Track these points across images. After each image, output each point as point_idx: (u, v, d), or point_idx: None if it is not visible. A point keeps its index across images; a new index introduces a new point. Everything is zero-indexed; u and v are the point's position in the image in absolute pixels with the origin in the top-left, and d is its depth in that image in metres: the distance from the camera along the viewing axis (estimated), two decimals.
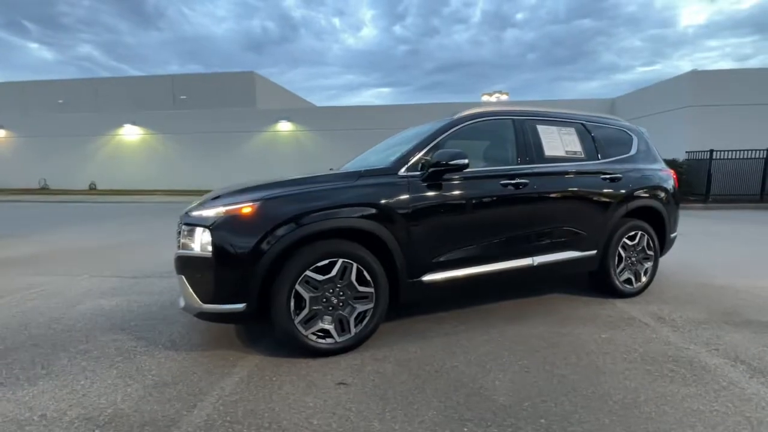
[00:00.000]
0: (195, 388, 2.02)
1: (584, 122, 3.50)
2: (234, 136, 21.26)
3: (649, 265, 3.55)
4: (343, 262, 2.33)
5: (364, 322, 2.43)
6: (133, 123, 22.13)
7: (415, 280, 2.58)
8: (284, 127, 21.17)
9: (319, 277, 2.29)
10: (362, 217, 2.40)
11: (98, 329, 2.81)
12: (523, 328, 2.80)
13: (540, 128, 3.21)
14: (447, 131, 2.84)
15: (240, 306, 2.22)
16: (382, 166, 2.67)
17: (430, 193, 2.61)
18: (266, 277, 2.21)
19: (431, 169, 2.60)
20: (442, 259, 2.66)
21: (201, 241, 2.24)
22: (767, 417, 1.75)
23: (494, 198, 2.84)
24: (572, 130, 3.39)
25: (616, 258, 3.36)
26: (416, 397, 1.95)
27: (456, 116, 2.98)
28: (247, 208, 2.23)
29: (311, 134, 21.06)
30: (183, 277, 2.34)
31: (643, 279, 3.53)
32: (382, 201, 2.47)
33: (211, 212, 2.28)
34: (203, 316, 2.33)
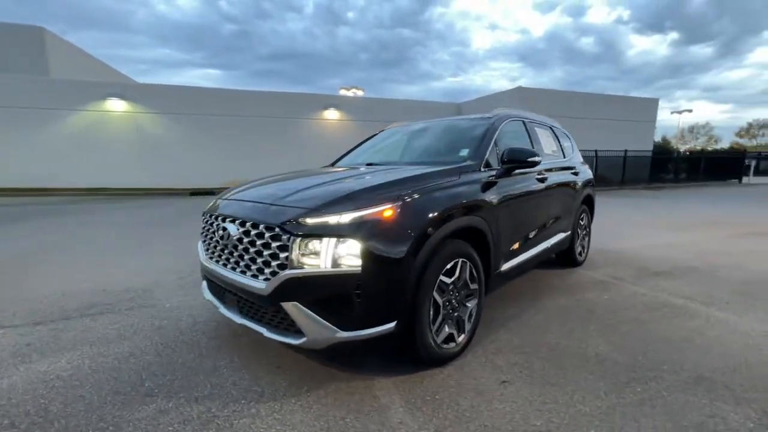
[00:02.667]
0: (378, 426, 1.67)
1: (551, 126, 4.25)
2: (27, 114, 15.55)
3: (587, 238, 4.64)
4: (462, 261, 2.27)
5: (472, 320, 2.43)
6: None
7: (498, 271, 2.71)
8: (116, 106, 16.73)
9: (447, 280, 2.18)
10: (474, 214, 2.38)
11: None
12: (550, 301, 3.30)
13: (537, 130, 3.75)
14: (497, 130, 3.02)
15: (391, 325, 1.90)
16: (467, 163, 2.65)
17: (506, 187, 2.76)
18: (417, 287, 1.97)
19: (506, 166, 2.75)
20: (510, 248, 2.87)
21: (337, 254, 1.80)
22: (734, 328, 2.69)
23: (534, 190, 3.21)
24: (549, 132, 4.08)
25: (577, 235, 4.27)
26: (568, 376, 2.13)
27: (495, 117, 3.20)
28: (388, 211, 1.91)
29: (155, 118, 17.34)
30: (297, 304, 1.83)
31: (586, 249, 4.60)
32: (482, 198, 2.49)
33: (346, 218, 1.85)
34: (341, 346, 1.88)
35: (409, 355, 2.13)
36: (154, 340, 2.61)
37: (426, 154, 3.11)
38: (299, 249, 1.84)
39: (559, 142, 4.24)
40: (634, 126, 20.72)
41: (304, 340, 1.85)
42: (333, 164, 3.75)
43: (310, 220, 1.86)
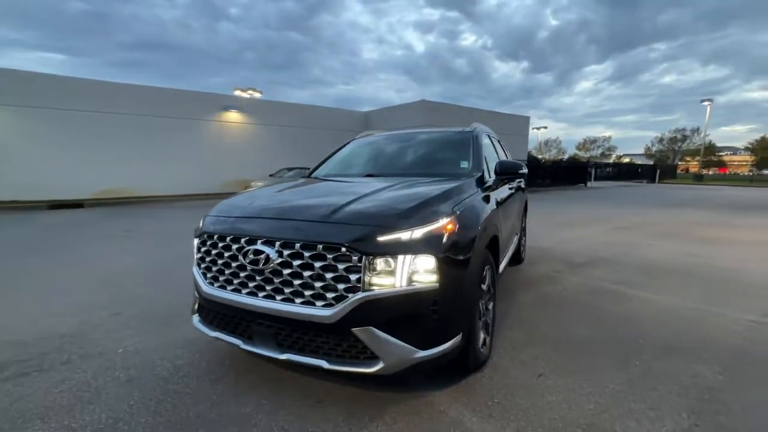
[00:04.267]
0: None
1: (498, 139, 4.75)
2: None
3: (524, 237, 5.32)
4: (488, 267, 2.40)
5: (494, 323, 2.59)
6: None
7: (498, 273, 2.93)
8: None
9: (483, 287, 2.29)
10: (494, 222, 2.54)
11: None
12: (522, 297, 3.71)
13: (497, 143, 4.17)
14: (481, 144, 3.26)
15: (458, 338, 1.91)
16: (476, 175, 2.78)
17: (498, 196, 2.99)
18: (474, 297, 2.01)
19: (499, 177, 2.99)
20: (504, 251, 3.13)
21: (412, 271, 1.73)
22: (662, 305, 3.45)
23: (508, 197, 3.52)
24: (499, 145, 4.56)
25: (522, 235, 4.86)
26: (582, 362, 2.44)
27: (475, 131, 3.42)
28: (450, 224, 1.91)
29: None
30: (371, 328, 1.70)
31: (524, 248, 5.27)
32: (494, 207, 2.67)
33: (418, 233, 1.78)
34: (417, 367, 1.79)
35: (461, 364, 2.16)
36: (136, 397, 2.08)
37: (425, 165, 3.15)
38: (372, 269, 1.71)
39: (505, 152, 4.76)
40: (514, 139, 24.25)
41: (380, 366, 1.73)
42: (310, 175, 3.52)
43: (381, 238, 1.75)
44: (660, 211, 11.64)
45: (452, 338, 1.87)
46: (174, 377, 2.28)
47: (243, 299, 1.93)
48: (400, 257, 1.72)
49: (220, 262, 2.04)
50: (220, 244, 2.04)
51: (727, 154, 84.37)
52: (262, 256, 1.85)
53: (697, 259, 5.23)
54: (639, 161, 56.94)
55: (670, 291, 3.87)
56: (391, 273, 1.72)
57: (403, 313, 1.74)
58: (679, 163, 57.32)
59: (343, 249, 1.73)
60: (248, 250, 1.89)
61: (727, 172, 74.30)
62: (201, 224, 2.29)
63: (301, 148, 19.92)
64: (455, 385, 2.16)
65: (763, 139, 58.27)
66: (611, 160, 57.50)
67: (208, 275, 2.11)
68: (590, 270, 4.69)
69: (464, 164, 2.99)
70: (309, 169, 14.46)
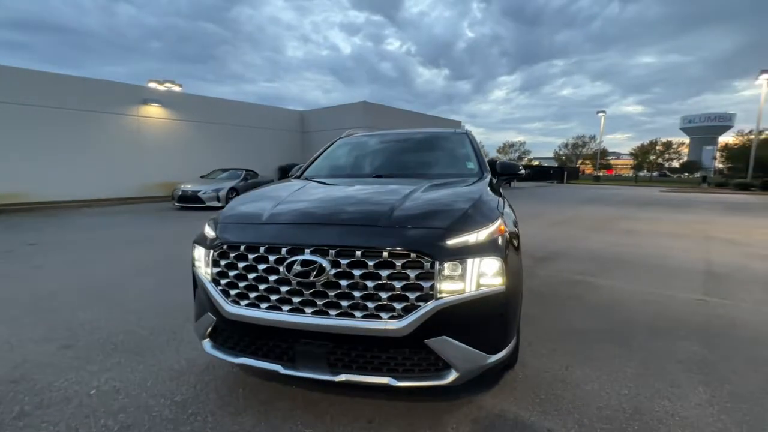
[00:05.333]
0: None
1: None
2: None
3: None
4: None
5: None
6: None
7: None
8: None
9: None
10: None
11: None
12: None
13: None
14: (478, 143, 3.33)
15: (515, 339, 1.89)
16: (489, 175, 2.80)
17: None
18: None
19: (501, 177, 3.08)
20: None
21: (480, 274, 1.66)
22: (625, 291, 3.89)
23: None
24: None
25: None
26: (597, 351, 2.62)
27: (467, 132, 3.49)
28: (501, 225, 1.88)
29: None
30: (445, 338, 1.61)
31: None
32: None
33: (482, 235, 1.72)
34: (489, 371, 1.73)
35: (508, 365, 2.15)
36: None
37: (432, 165, 3.10)
38: (442, 275, 1.61)
39: None
40: None
41: (454, 376, 1.63)
42: (301, 176, 3.24)
43: (451, 241, 1.65)
44: (579, 207, 13.18)
45: (513, 339, 1.85)
46: (182, 417, 1.91)
47: (284, 317, 1.69)
48: (469, 261, 1.65)
49: (251, 276, 1.75)
50: (251, 256, 1.75)
51: (613, 158, 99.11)
52: (313, 267, 1.63)
53: (630, 249, 6.00)
54: (545, 164, 64.02)
55: (624, 278, 4.37)
56: (461, 277, 1.64)
57: (474, 319, 1.67)
58: (579, 165, 65.66)
59: (413, 255, 1.60)
60: (293, 261, 1.66)
61: (613, 173, 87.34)
62: (212, 233, 1.96)
63: (235, 148, 18.59)
64: (496, 387, 2.14)
65: (642, 146, 69.81)
66: (524, 163, 63.73)
67: (232, 293, 1.80)
68: (552, 263, 5.09)
69: (470, 165, 3.02)
70: (247, 170, 13.50)
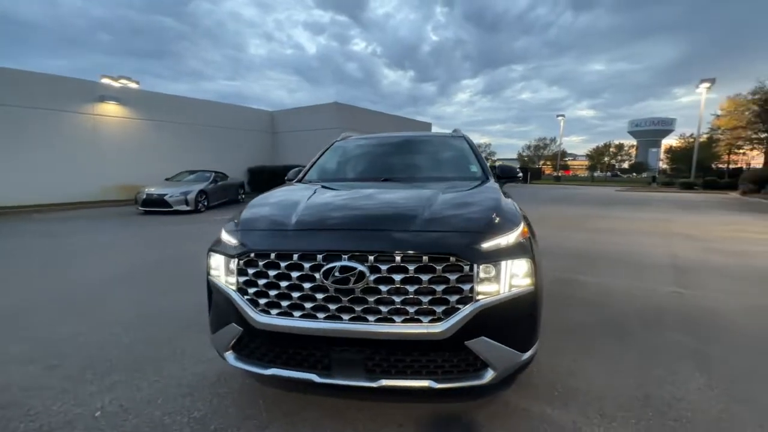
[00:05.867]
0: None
1: None
2: None
3: None
4: None
5: None
6: None
7: None
8: None
9: None
10: None
11: None
12: None
13: None
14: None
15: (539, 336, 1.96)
16: (493, 177, 2.89)
17: None
18: None
19: (500, 179, 3.17)
20: None
21: (512, 275, 1.71)
22: (614, 286, 4.14)
23: None
24: None
25: None
26: (600, 345, 2.77)
27: (465, 135, 3.58)
28: (524, 227, 1.95)
29: None
30: (484, 338, 1.65)
31: None
32: None
33: (511, 238, 1.78)
34: (522, 368, 1.79)
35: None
36: None
37: (438, 168, 3.13)
38: (479, 277, 1.65)
39: None
40: None
41: (492, 375, 1.67)
42: (302, 180, 3.18)
43: (486, 244, 1.69)
44: (548, 206, 13.81)
45: (538, 337, 1.93)
46: None
47: (321, 325, 1.66)
48: (503, 263, 1.70)
49: (283, 285, 1.70)
50: (283, 264, 1.70)
51: (570, 159, 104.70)
52: (352, 273, 1.61)
53: (604, 246, 6.37)
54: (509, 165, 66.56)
55: (605, 274, 4.63)
56: (495, 279, 1.68)
57: (508, 319, 1.72)
58: (541, 166, 68.84)
59: (452, 258, 1.62)
60: (331, 268, 1.63)
61: (570, 173, 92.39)
62: (234, 240, 1.88)
63: (201, 149, 17.81)
64: (514, 385, 2.20)
65: (597, 148, 74.38)
66: (489, 164, 65.83)
67: (261, 302, 1.74)
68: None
69: (474, 168, 3.10)
70: (217, 172, 13.04)
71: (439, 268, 1.62)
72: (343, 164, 3.37)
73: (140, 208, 11.43)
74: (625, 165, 78.11)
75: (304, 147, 19.86)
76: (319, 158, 3.51)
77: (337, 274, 1.62)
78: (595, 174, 72.14)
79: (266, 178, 18.44)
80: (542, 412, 1.95)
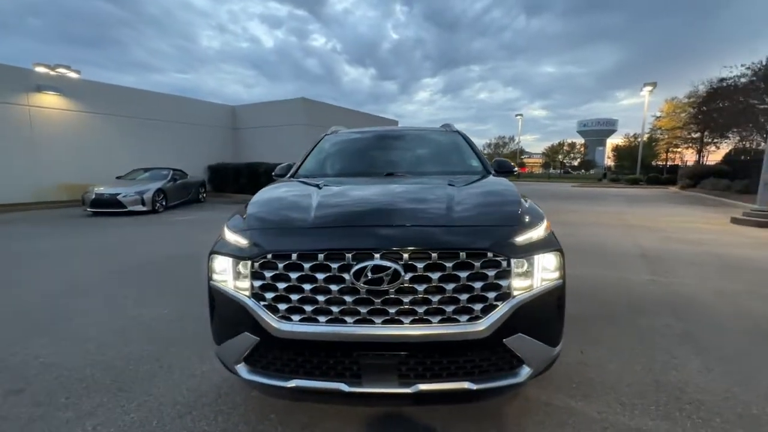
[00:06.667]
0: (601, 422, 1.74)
1: None
2: None
3: None
4: None
5: None
6: None
7: None
8: None
9: None
10: None
11: None
12: None
13: None
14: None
15: None
16: (492, 172, 2.88)
17: None
18: None
19: (497, 173, 3.17)
20: None
21: (543, 269, 1.68)
22: (609, 279, 4.32)
23: None
24: None
25: None
26: (604, 335, 2.84)
27: (461, 131, 3.55)
28: (548, 222, 1.93)
29: None
30: (521, 335, 1.60)
31: None
32: None
33: (539, 232, 1.75)
34: (552, 363, 1.76)
35: None
36: None
37: (439, 163, 3.04)
38: (516, 272, 1.60)
39: None
40: None
41: (528, 373, 1.62)
42: (294, 175, 2.99)
43: (519, 238, 1.64)
44: None
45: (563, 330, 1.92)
46: None
47: (351, 330, 1.53)
48: (536, 257, 1.66)
49: (308, 288, 1.55)
50: (306, 265, 1.55)
51: (526, 157, 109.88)
52: (387, 272, 1.50)
53: (574, 239, 6.66)
54: None
55: (583, 264, 4.82)
56: (529, 274, 1.64)
57: (541, 314, 1.68)
58: None
59: (490, 254, 1.56)
60: (363, 268, 1.51)
61: (526, 171, 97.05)
62: (244, 240, 1.70)
63: (155, 145, 16.58)
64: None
65: (552, 146, 78.80)
66: None
67: (282, 308, 1.58)
68: None
69: (474, 162, 3.07)
70: (175, 170, 12.34)
71: (477, 264, 1.55)
72: (340, 159, 3.21)
73: (88, 209, 10.42)
74: (575, 162, 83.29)
75: (270, 143, 19.16)
76: (310, 153, 3.33)
77: (369, 274, 1.50)
78: (550, 171, 76.40)
79: (230, 175, 17.59)
80: (566, 406, 1.95)
